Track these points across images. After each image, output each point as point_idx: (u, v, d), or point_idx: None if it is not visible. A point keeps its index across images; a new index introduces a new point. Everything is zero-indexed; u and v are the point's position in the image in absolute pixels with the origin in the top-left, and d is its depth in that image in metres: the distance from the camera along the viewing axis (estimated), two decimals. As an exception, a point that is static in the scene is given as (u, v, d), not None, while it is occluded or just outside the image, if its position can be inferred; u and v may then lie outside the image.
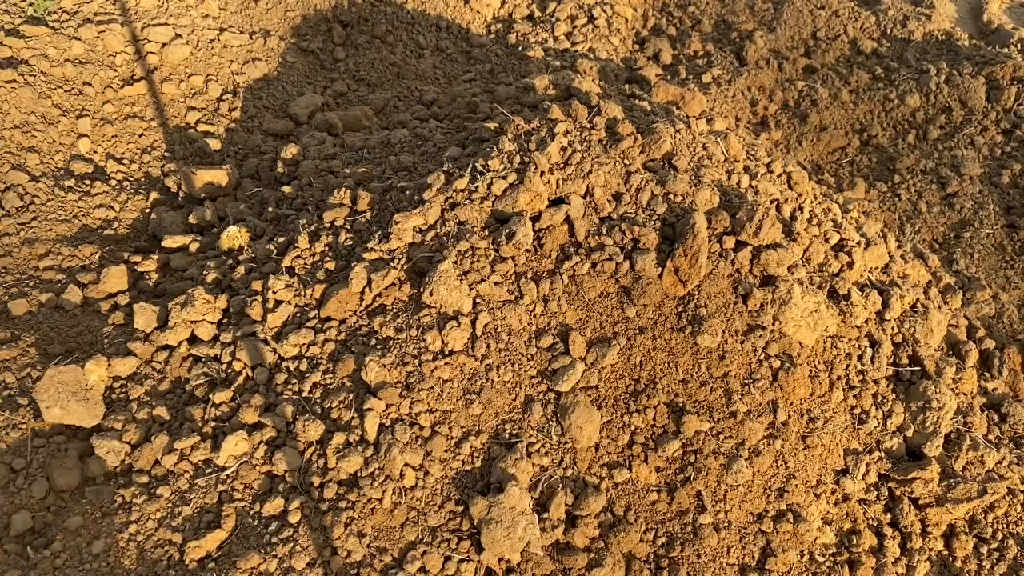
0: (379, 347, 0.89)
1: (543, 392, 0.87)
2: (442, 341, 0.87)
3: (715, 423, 0.87)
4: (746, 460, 0.85)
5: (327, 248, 1.01)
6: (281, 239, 1.05)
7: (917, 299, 1.06)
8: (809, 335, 0.92)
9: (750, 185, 1.05)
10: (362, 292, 0.93)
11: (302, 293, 0.96)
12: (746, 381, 0.89)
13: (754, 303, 0.91)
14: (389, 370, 0.87)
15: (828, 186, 1.41)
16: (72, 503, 0.86)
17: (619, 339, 0.89)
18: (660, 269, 0.91)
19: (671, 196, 0.98)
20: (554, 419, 0.86)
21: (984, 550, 0.90)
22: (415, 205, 0.99)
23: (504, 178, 0.98)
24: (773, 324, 0.90)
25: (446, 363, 0.87)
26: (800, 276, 0.94)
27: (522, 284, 0.92)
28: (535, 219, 0.96)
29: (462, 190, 0.99)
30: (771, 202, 1.03)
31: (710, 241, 0.93)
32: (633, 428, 0.86)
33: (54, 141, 1.23)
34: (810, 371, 0.91)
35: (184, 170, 1.21)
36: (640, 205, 0.97)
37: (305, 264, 0.99)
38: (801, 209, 1.05)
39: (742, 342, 0.90)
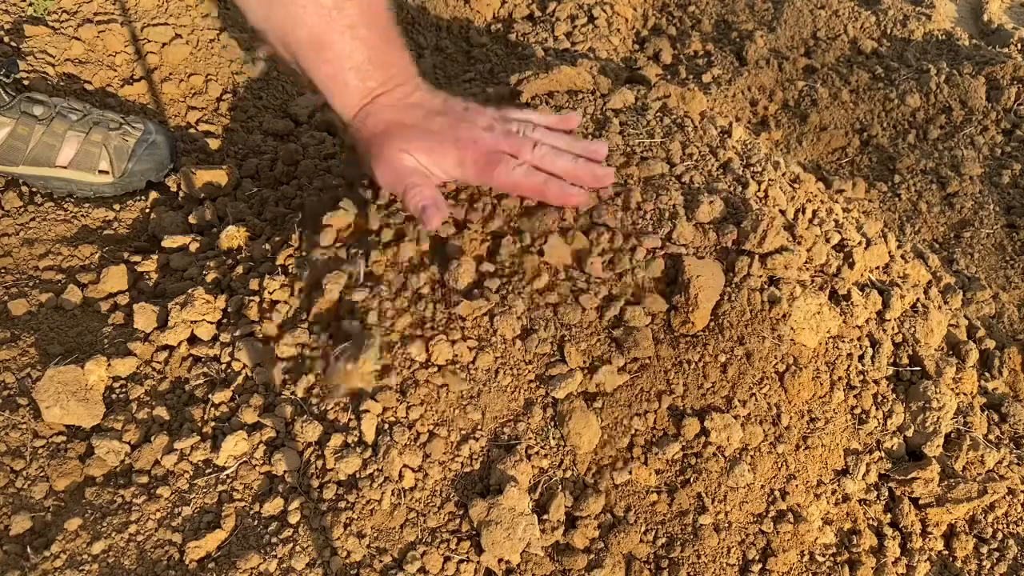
0: (377, 348, 0.88)
1: (542, 396, 0.87)
2: (427, 352, 0.86)
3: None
4: (748, 462, 0.85)
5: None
6: (277, 238, 1.05)
7: (917, 299, 1.05)
8: (812, 337, 0.91)
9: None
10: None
11: (296, 292, 0.95)
12: (750, 385, 0.88)
13: (759, 308, 0.90)
14: (386, 372, 0.87)
15: (828, 186, 1.40)
16: (72, 503, 0.86)
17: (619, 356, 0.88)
18: (668, 309, 0.89)
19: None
20: (552, 424, 0.85)
21: (984, 550, 0.90)
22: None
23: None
24: (777, 328, 0.90)
25: (438, 369, 0.86)
26: (804, 279, 0.94)
27: (509, 298, 0.90)
28: None
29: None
30: (773, 203, 1.03)
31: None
32: (633, 431, 0.86)
33: (54, 141, 1.23)
34: (813, 373, 0.91)
35: (184, 170, 1.21)
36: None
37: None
38: (803, 209, 1.05)
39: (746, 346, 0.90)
